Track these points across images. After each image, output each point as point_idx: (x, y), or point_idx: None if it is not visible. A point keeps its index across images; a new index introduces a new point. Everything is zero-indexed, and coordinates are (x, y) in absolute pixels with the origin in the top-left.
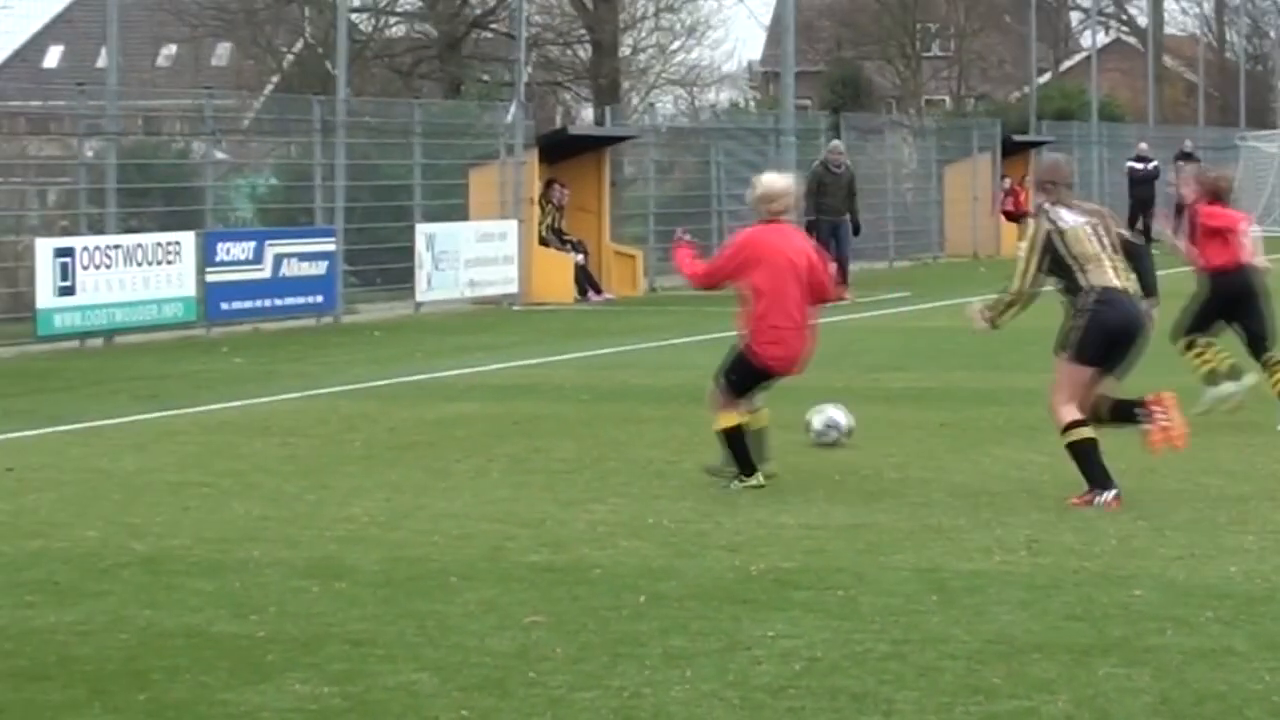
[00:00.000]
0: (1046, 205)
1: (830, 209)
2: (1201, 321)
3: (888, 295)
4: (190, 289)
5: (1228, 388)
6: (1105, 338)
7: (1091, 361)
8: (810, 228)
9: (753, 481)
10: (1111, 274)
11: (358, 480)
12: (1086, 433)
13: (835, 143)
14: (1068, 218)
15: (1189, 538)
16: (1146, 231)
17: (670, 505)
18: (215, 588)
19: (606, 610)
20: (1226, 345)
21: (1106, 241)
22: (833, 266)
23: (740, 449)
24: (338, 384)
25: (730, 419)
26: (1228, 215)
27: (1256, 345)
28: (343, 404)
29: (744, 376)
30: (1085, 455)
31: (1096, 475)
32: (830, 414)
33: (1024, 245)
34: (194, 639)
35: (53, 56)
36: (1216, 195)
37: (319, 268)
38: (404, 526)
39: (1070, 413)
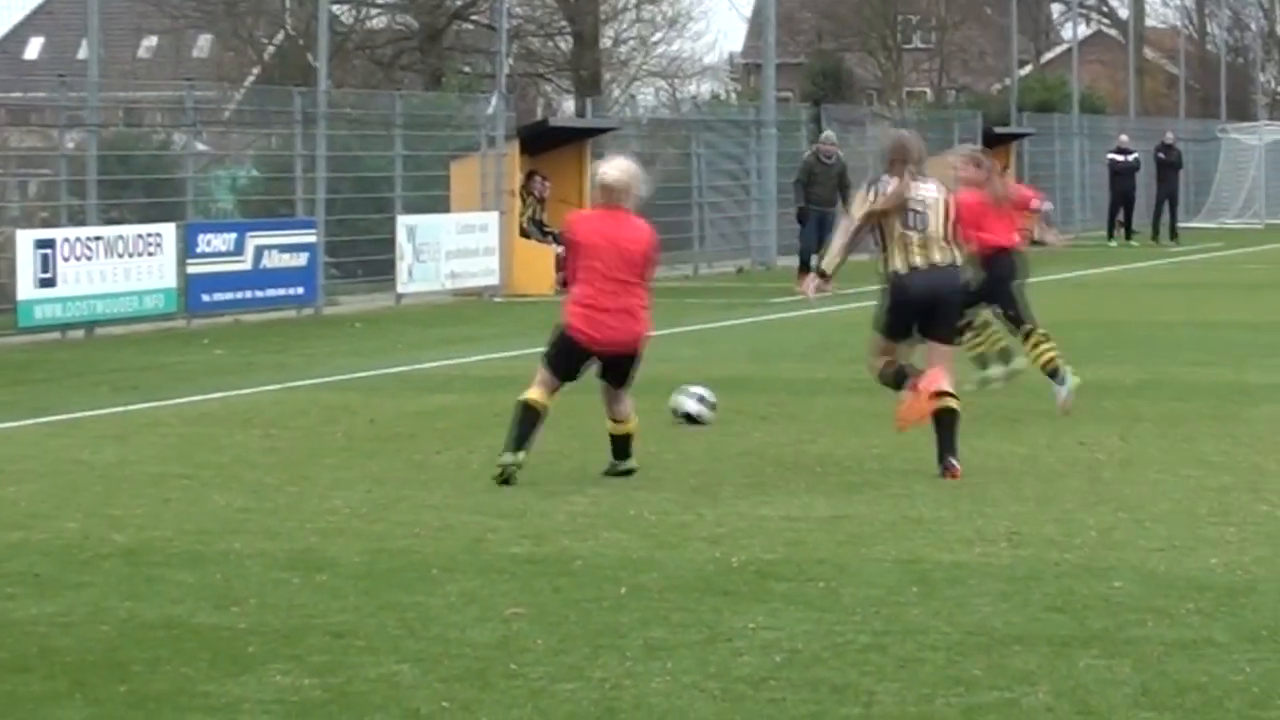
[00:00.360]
0: (891, 178)
1: (819, 199)
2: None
3: (869, 288)
4: (171, 280)
5: (995, 370)
6: (898, 313)
7: (890, 336)
8: (799, 216)
9: (504, 458)
10: (918, 255)
11: (339, 472)
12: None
13: (828, 133)
14: (888, 192)
15: (1169, 529)
16: (1128, 224)
17: (651, 497)
18: (196, 579)
19: (587, 602)
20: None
21: (934, 224)
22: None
23: (520, 424)
24: (319, 376)
25: (531, 392)
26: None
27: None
28: (324, 396)
29: (559, 352)
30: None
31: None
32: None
33: (851, 213)
34: (175, 630)
35: (33, 48)
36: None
37: (300, 259)
38: (385, 518)
39: (876, 365)
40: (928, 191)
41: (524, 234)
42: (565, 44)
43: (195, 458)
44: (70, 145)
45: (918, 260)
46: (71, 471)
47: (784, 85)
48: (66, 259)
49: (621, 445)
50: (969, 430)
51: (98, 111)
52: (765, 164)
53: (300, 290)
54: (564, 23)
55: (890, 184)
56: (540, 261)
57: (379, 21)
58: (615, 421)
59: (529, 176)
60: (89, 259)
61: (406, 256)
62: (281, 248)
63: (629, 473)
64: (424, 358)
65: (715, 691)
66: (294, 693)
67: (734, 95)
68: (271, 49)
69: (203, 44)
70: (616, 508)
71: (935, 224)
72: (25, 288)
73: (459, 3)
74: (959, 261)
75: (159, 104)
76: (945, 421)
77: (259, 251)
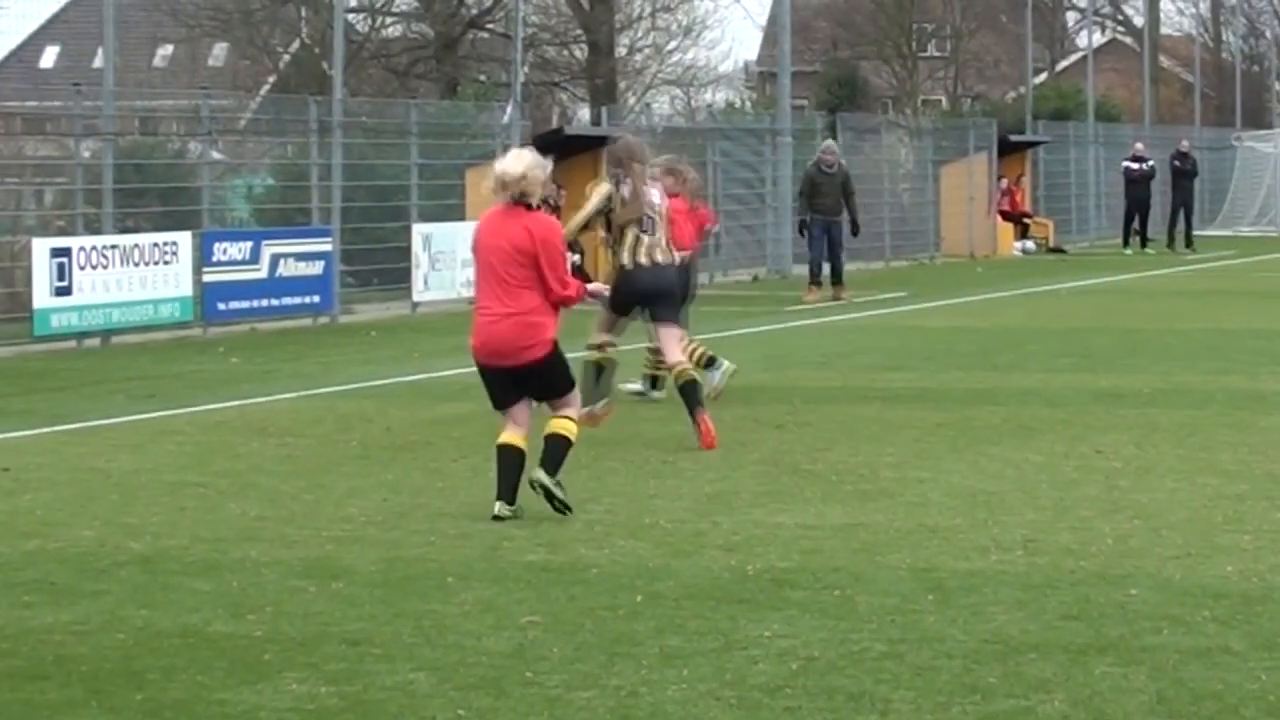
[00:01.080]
0: (621, 179)
1: (823, 209)
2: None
3: (884, 295)
4: (187, 289)
5: (710, 377)
6: (624, 300)
7: (615, 310)
8: (802, 227)
9: (495, 509)
10: (644, 255)
11: (355, 480)
12: (612, 355)
13: (828, 143)
14: (628, 194)
15: (1185, 537)
16: (1143, 232)
17: (667, 505)
18: (212, 587)
19: (603, 610)
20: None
21: (653, 225)
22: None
23: (501, 470)
24: (335, 384)
25: (501, 435)
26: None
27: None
28: (340, 404)
29: (483, 383)
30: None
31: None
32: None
33: (591, 200)
34: (191, 639)
35: (49, 56)
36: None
37: (316, 268)
38: (401, 526)
39: (598, 338)
40: (655, 198)
41: None
42: (580, 52)
43: (211, 466)
44: (86, 154)
45: (643, 259)
46: (87, 480)
47: (799, 93)
48: (82, 267)
49: (551, 450)
50: (985, 439)
51: (113, 120)
52: (781, 172)
53: (316, 299)
54: (579, 31)
55: (626, 186)
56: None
57: (394, 30)
58: (553, 418)
59: None
60: (105, 267)
61: (422, 265)
62: (297, 256)
63: (551, 499)
64: (440, 366)
65: (731, 699)
66: (310, 701)
67: (749, 103)
68: (287, 58)
69: (218, 53)
70: (632, 516)
71: (661, 229)
72: (41, 296)
73: (474, 11)
74: (676, 260)
75: (175, 113)
76: (688, 390)
77: (275, 260)
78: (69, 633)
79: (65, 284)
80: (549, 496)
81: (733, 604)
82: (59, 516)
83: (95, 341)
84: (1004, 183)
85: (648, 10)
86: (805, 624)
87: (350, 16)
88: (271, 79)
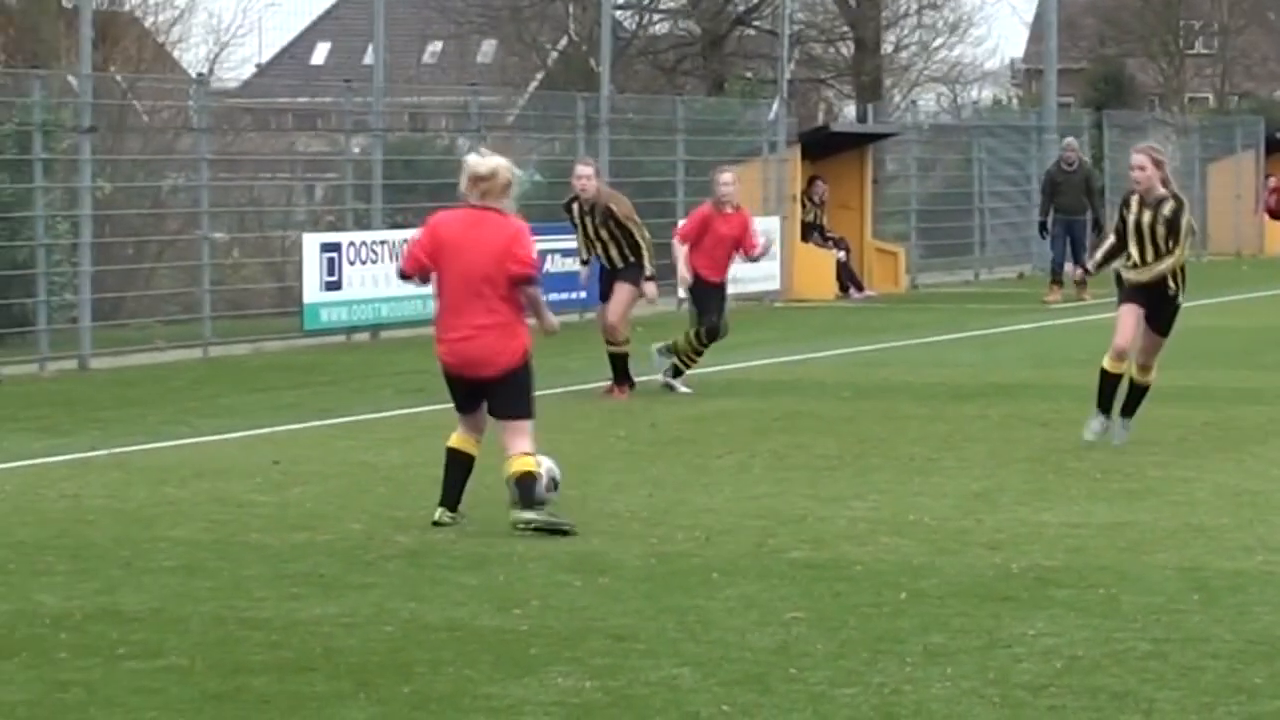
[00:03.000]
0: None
1: (1064, 208)
2: None
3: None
4: None
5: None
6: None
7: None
8: (1042, 228)
9: (435, 514)
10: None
11: (621, 476)
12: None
13: (1069, 140)
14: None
15: None
16: None
17: (931, 503)
18: (479, 581)
19: (867, 607)
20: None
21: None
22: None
23: (446, 474)
24: (600, 379)
25: (451, 439)
26: None
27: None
28: (604, 399)
29: (446, 384)
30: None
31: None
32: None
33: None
34: (457, 632)
35: (320, 53)
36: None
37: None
38: (666, 522)
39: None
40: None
41: (805, 239)
42: (847, 49)
43: (477, 461)
44: (356, 150)
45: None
46: (356, 473)
47: (1065, 90)
48: (352, 263)
49: (519, 489)
50: (1251, 438)
51: (383, 116)
52: (1046, 169)
53: (582, 295)
54: (845, 28)
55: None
56: (821, 267)
57: (661, 27)
58: (507, 457)
59: (810, 182)
60: (374, 263)
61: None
62: (564, 252)
63: (550, 530)
64: (704, 362)
65: (995, 698)
66: (575, 695)
67: (1015, 101)
68: (555, 54)
69: (487, 49)
70: (897, 513)
71: None
72: (311, 291)
73: (741, 8)
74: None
75: (443, 109)
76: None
77: (542, 256)
78: (337, 625)
79: (335, 279)
80: (548, 530)
81: (997, 602)
82: (328, 509)
83: (364, 336)
84: (1271, 181)
85: (914, 7)
86: (1070, 622)
87: (618, 13)
88: (539, 75)
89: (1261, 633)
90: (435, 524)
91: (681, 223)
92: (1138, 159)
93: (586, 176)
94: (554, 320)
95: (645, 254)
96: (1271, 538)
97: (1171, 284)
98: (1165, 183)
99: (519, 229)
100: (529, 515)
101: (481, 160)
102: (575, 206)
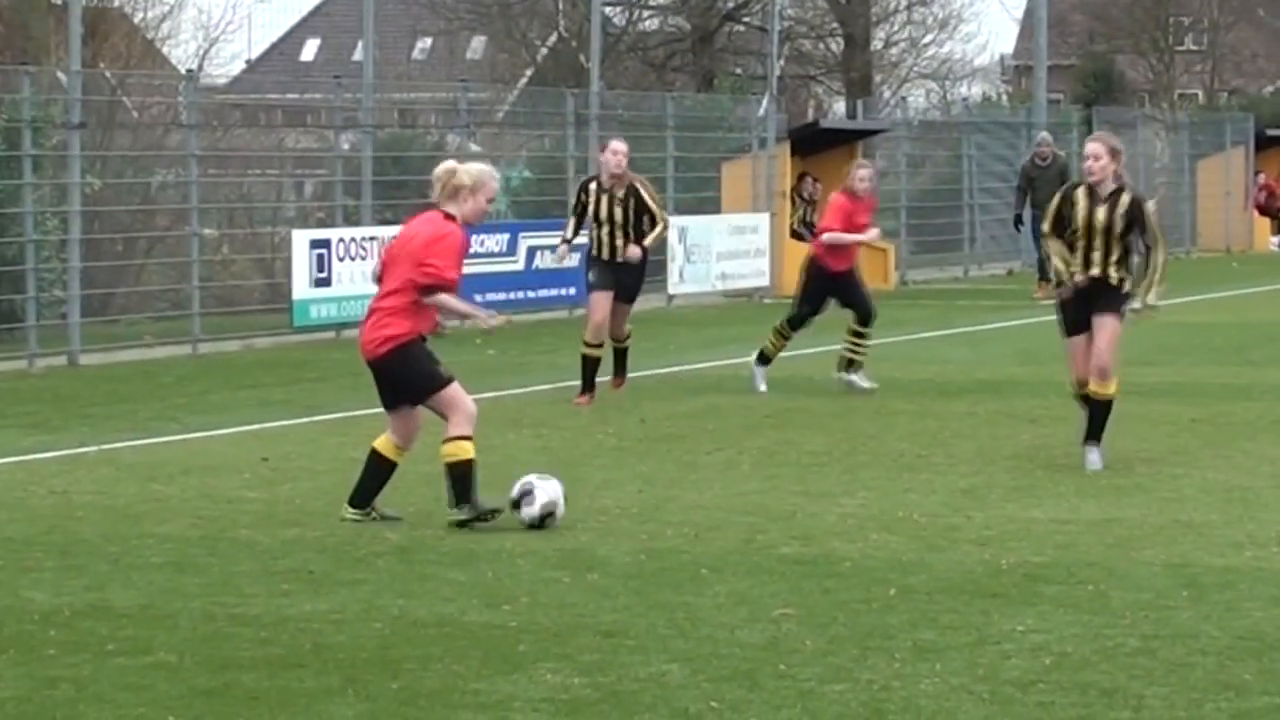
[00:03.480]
0: None
1: (1040, 202)
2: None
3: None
4: None
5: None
6: None
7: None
8: (1017, 222)
9: (345, 511)
10: None
11: (609, 472)
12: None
13: (1042, 134)
14: None
15: None
16: None
17: (920, 499)
18: (468, 578)
19: (856, 603)
20: None
21: None
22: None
23: (362, 470)
24: (599, 376)
25: (379, 437)
26: None
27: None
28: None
29: None
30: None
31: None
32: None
33: None
34: (446, 628)
35: (310, 49)
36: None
37: (572, 259)
38: (655, 518)
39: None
40: None
41: (795, 235)
42: (836, 46)
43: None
44: (345, 146)
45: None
46: (345, 470)
47: (1055, 87)
48: (341, 259)
49: (453, 481)
50: (1240, 434)
51: (373, 113)
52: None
53: (572, 291)
54: (835, 25)
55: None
56: None
57: (651, 23)
58: (442, 444)
59: (800, 178)
60: (364, 259)
61: (677, 258)
62: (554, 248)
63: (479, 520)
64: (694, 358)
65: (984, 694)
66: (564, 691)
67: (1005, 97)
68: (544, 50)
69: (476, 46)
70: (886, 510)
71: None
72: (300, 287)
73: (731, 5)
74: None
75: (433, 105)
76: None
77: (531, 252)
78: (326, 621)
79: (325, 275)
80: (477, 520)
81: (986, 598)
82: (317, 506)
83: (354, 333)
84: (1261, 178)
85: (904, 4)
86: (1059, 619)
87: (607, 9)
88: (529, 72)
89: (1250, 629)
90: (341, 519)
91: (824, 219)
92: (1093, 148)
93: (624, 153)
94: (485, 314)
95: (655, 236)
96: (1260, 534)
97: (1115, 276)
98: (1118, 176)
99: (443, 235)
100: (456, 515)
101: (443, 163)
102: (594, 185)
